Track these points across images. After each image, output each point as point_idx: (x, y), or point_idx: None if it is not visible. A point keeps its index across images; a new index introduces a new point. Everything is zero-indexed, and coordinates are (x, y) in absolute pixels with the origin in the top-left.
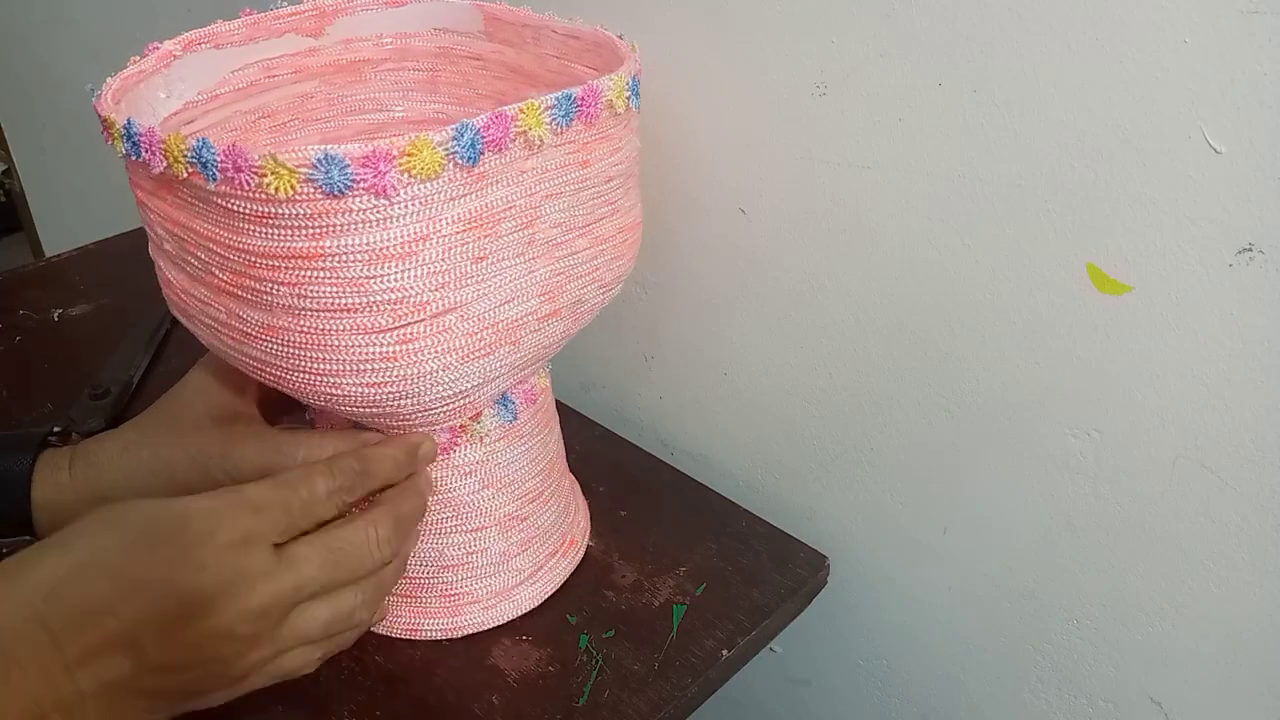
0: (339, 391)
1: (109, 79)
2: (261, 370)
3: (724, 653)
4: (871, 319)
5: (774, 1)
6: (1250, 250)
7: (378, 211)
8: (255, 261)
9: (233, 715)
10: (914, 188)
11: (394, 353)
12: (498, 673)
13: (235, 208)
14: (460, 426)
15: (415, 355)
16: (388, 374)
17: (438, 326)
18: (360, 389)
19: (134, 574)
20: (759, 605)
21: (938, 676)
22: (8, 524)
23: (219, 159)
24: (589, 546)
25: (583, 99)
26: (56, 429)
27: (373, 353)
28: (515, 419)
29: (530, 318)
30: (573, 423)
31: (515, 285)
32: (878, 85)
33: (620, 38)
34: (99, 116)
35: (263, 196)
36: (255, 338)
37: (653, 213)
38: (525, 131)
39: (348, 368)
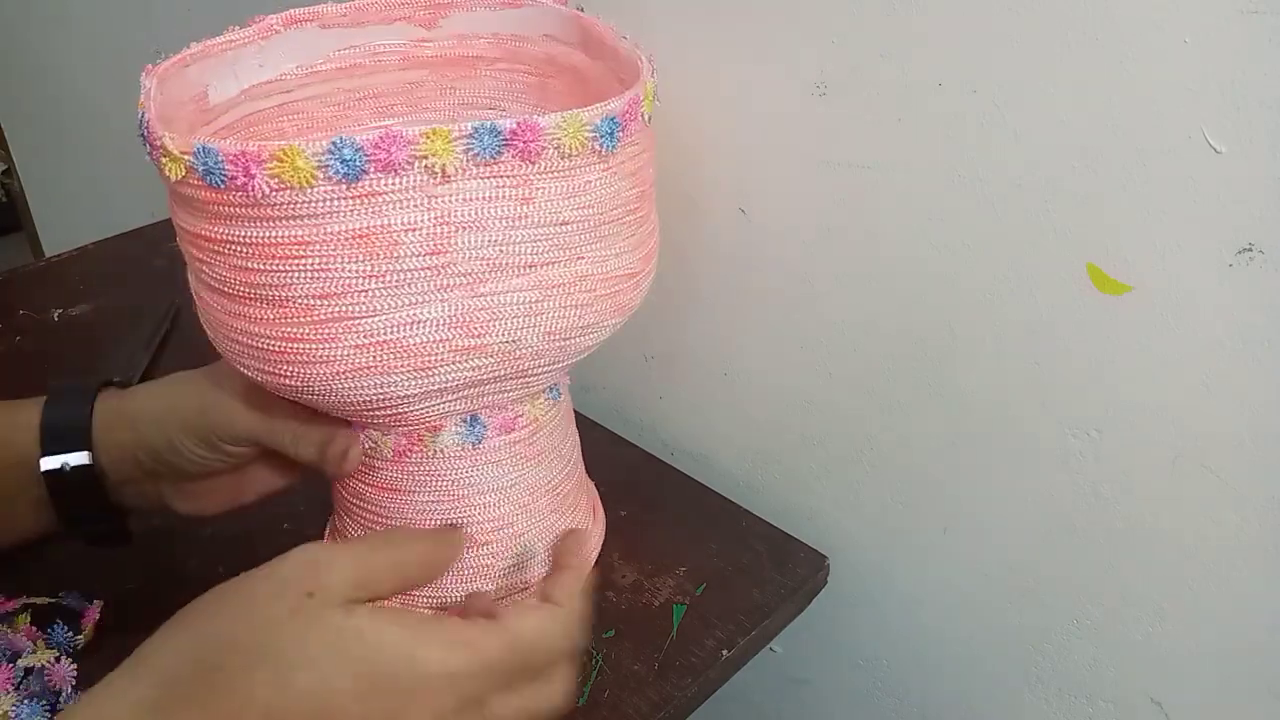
0: (249, 371)
1: (193, 43)
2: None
3: (724, 653)
4: (872, 319)
5: (774, 1)
6: (1250, 250)
7: (254, 210)
8: (180, 232)
9: None
10: (914, 188)
11: (282, 349)
12: None
13: (161, 180)
14: (416, 435)
15: (302, 357)
16: (280, 368)
17: (324, 333)
18: (263, 376)
19: (355, 714)
20: (759, 605)
21: (937, 676)
22: (72, 442)
23: (146, 133)
24: None
25: (514, 134)
26: (117, 379)
27: (264, 345)
28: (480, 443)
29: (442, 347)
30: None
31: (422, 311)
32: (878, 85)
33: (650, 67)
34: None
35: (165, 176)
36: (199, 303)
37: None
38: (425, 158)
39: (248, 352)
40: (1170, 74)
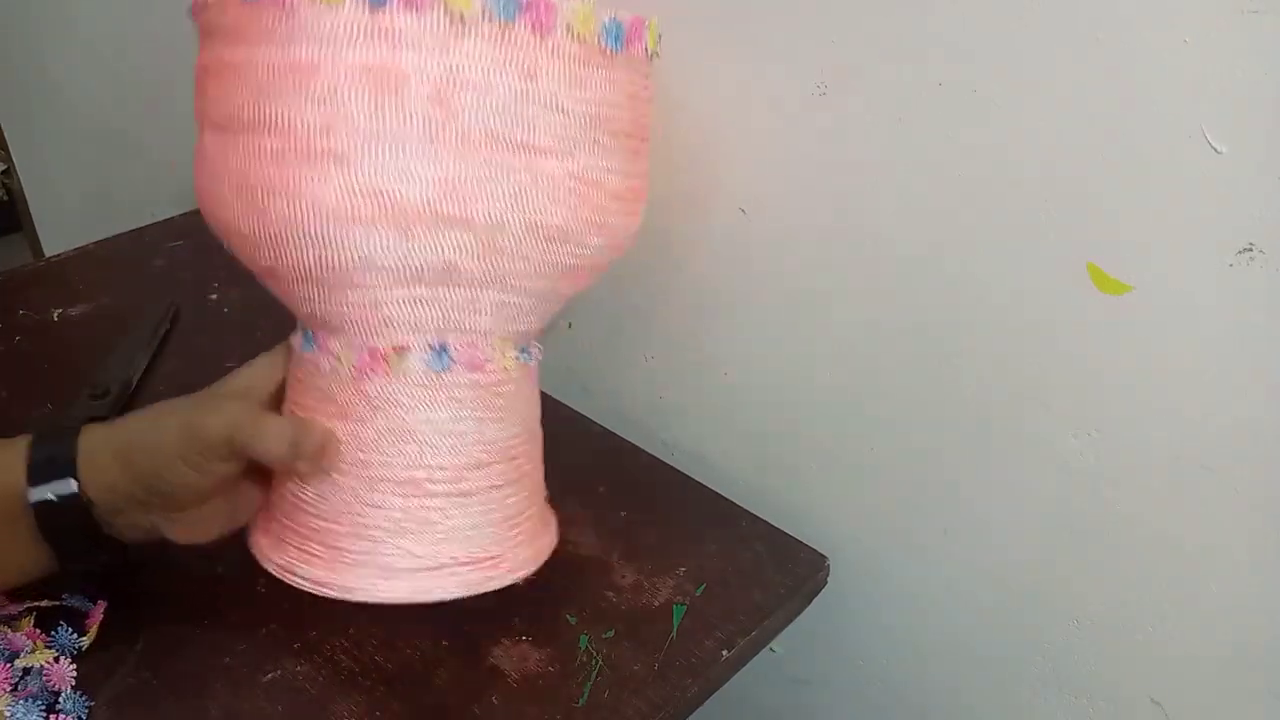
0: (235, 216)
1: None
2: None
3: (724, 653)
4: (871, 319)
5: (774, 2)
6: (1250, 250)
7: (280, 26)
8: (200, 74)
9: (232, 715)
10: (914, 188)
11: (275, 181)
12: (498, 673)
13: (193, 19)
14: (381, 353)
15: (292, 190)
16: (269, 202)
17: (317, 172)
18: (239, 221)
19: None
20: (759, 605)
21: (937, 676)
22: (57, 471)
23: None
24: (590, 546)
25: (530, 1)
26: (102, 415)
27: (257, 181)
28: (446, 372)
29: (426, 210)
30: (573, 423)
31: (413, 164)
32: (878, 85)
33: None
34: None
35: (206, 5)
36: (200, 157)
37: (653, 213)
38: (446, 1)
39: (237, 194)
40: (1170, 74)
